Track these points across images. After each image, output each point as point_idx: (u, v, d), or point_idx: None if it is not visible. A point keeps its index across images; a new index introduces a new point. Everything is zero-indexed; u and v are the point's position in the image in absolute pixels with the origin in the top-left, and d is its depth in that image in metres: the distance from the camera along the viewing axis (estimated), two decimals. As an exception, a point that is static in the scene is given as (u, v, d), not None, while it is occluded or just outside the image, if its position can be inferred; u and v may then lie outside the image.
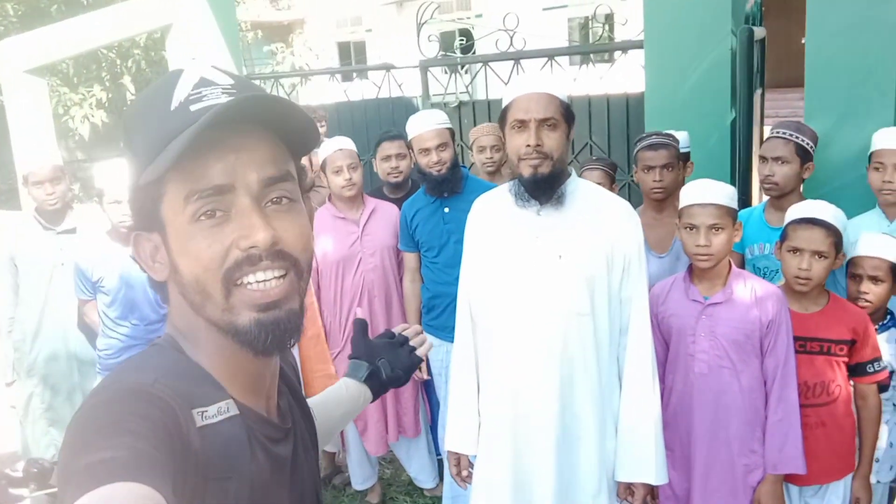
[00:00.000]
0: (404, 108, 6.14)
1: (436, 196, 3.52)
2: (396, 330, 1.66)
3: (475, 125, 5.13)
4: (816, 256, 2.57)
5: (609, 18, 5.63)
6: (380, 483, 4.16)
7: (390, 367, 1.55)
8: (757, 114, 4.17)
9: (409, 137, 3.58)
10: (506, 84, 4.97)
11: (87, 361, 4.06)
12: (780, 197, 3.12)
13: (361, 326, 1.59)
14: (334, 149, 3.63)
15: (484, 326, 2.48)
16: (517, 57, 4.97)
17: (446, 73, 5.83)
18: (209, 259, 0.92)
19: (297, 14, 21.27)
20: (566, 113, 2.30)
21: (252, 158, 0.93)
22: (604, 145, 4.79)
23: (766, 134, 3.27)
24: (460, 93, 5.70)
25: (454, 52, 5.79)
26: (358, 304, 3.68)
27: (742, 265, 3.19)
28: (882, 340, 2.71)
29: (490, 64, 5.25)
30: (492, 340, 2.45)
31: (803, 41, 3.44)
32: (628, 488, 2.41)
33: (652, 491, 2.44)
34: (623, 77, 4.72)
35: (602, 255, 2.32)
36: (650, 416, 2.37)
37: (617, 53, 4.94)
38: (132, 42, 10.69)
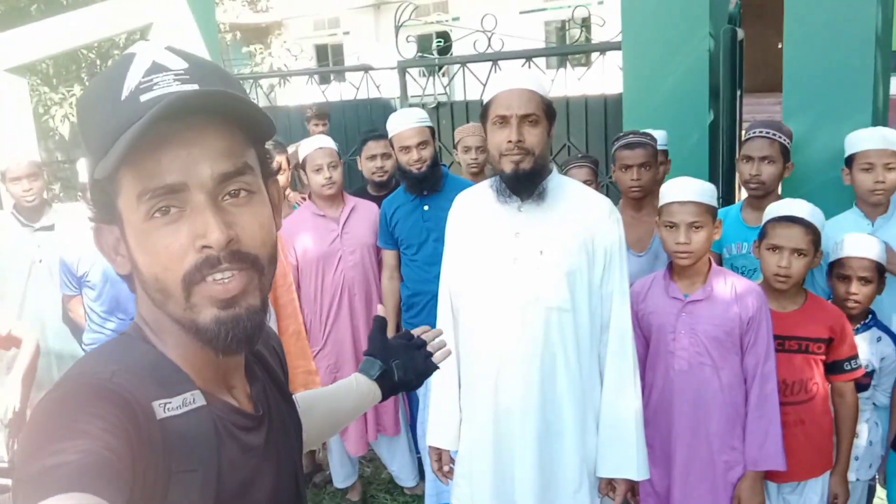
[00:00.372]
0: (382, 109, 6.10)
1: (416, 194, 3.49)
2: (416, 332, 1.60)
3: (453, 126, 5.10)
4: (796, 254, 2.55)
5: (586, 21, 5.60)
6: (360, 481, 4.12)
7: (403, 370, 1.50)
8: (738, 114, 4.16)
9: (390, 135, 3.53)
10: (484, 85, 4.97)
11: (67, 357, 4.00)
12: (762, 196, 3.10)
13: (381, 324, 1.54)
14: (314, 147, 3.59)
15: (465, 321, 2.45)
16: (495, 58, 4.94)
17: (424, 75, 5.79)
18: (168, 259, 0.88)
19: (276, 16, 21.17)
20: (547, 109, 2.27)
21: (205, 153, 0.88)
22: (581, 146, 4.77)
23: (744, 135, 3.24)
24: (438, 94, 5.67)
25: (432, 54, 5.75)
26: (338, 301, 3.63)
27: (720, 265, 3.16)
28: (863, 340, 2.70)
29: (468, 65, 5.21)
30: (473, 335, 2.42)
31: (780, 46, 3.43)
32: (609, 484, 2.39)
33: (633, 487, 2.42)
34: (601, 78, 4.70)
35: (583, 251, 2.29)
36: (631, 412, 2.35)
37: (594, 55, 4.92)
38: (112, 42, 10.55)
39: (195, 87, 0.88)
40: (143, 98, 0.86)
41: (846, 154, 3.01)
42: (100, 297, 3.51)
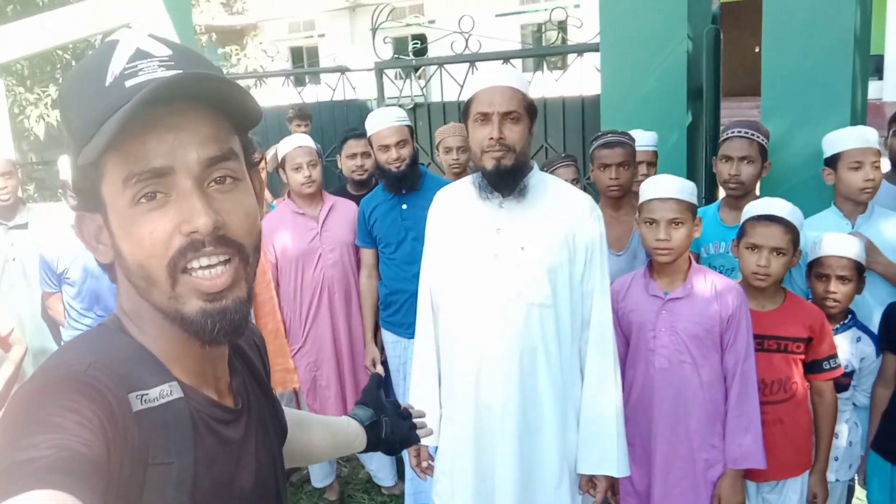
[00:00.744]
0: (359, 110, 6.06)
1: (394, 193, 3.46)
2: (404, 405, 1.62)
3: (430, 127, 5.06)
4: (775, 253, 2.53)
5: (562, 24, 5.59)
6: (338, 481, 4.07)
7: (391, 428, 1.52)
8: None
9: (369, 134, 3.50)
10: (461, 86, 4.93)
11: (45, 354, 3.94)
12: (741, 196, 3.08)
13: (377, 380, 1.59)
14: (294, 146, 3.56)
15: (446, 318, 2.43)
16: (472, 59, 4.91)
17: (401, 77, 5.74)
18: (152, 245, 0.87)
19: (251, 18, 21.05)
20: (528, 107, 2.27)
21: (191, 138, 0.87)
22: (559, 147, 4.74)
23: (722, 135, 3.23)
24: (415, 95, 5.63)
25: (408, 56, 5.71)
26: (318, 299, 3.59)
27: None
28: (843, 340, 2.69)
29: (445, 66, 5.18)
30: (454, 332, 2.40)
31: (757, 49, 3.42)
32: (590, 481, 2.38)
33: (613, 485, 2.40)
34: (578, 79, 4.67)
35: (564, 248, 2.28)
36: (612, 409, 2.34)
37: (570, 58, 4.90)
38: (87, 43, 10.41)
39: (180, 73, 0.86)
40: (129, 83, 0.85)
41: (828, 154, 2.99)
42: (79, 293, 3.51)
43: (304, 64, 18.76)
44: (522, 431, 2.31)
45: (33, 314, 4.01)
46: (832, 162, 2.97)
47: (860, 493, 3.06)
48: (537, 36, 16.14)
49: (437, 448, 2.50)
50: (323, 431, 1.43)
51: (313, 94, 6.82)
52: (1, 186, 3.84)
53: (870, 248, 2.80)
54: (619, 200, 3.15)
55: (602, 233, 2.33)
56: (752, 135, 3.05)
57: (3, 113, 6.16)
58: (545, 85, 4.73)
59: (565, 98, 4.73)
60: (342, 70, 6.51)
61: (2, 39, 5.88)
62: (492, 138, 2.19)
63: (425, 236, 2.51)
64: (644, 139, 3.44)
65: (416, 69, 5.69)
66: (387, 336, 3.61)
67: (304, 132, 5.34)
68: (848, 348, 2.71)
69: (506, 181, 2.24)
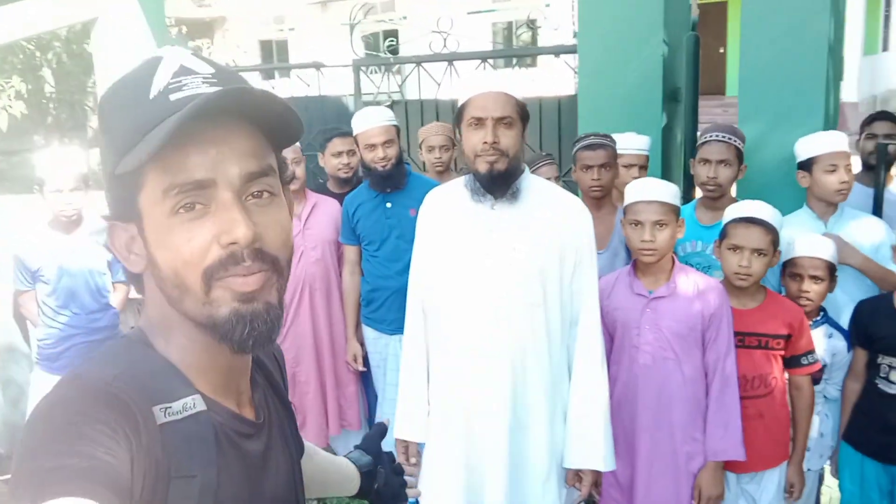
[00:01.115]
0: (334, 106, 6.02)
1: (379, 191, 3.47)
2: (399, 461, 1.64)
3: (407, 125, 5.06)
4: (756, 254, 2.60)
5: (533, 23, 5.64)
6: None
7: (385, 480, 1.51)
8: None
9: (355, 133, 3.51)
10: (438, 85, 4.94)
11: (10, 352, 3.94)
12: (717, 198, 3.15)
13: (381, 430, 1.59)
14: (277, 144, 3.52)
15: (437, 316, 2.45)
16: (451, 58, 4.92)
17: (375, 72, 5.73)
18: (189, 253, 0.87)
19: (219, 11, 20.77)
20: (521, 112, 2.30)
21: (233, 152, 0.88)
22: (536, 147, 4.77)
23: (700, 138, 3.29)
24: (392, 92, 5.62)
25: (382, 53, 5.70)
26: (299, 296, 3.59)
27: (675, 263, 3.21)
28: (815, 335, 2.76)
29: (423, 65, 5.18)
30: (445, 330, 2.42)
31: (722, 50, 3.49)
32: (577, 475, 2.42)
33: (596, 479, 2.43)
34: (552, 80, 4.71)
35: (555, 249, 2.32)
36: (599, 405, 2.39)
37: (542, 57, 4.93)
38: (53, 34, 10.22)
39: (229, 87, 0.88)
40: (173, 97, 0.86)
41: (802, 158, 3.07)
42: (54, 291, 3.49)
43: (273, 58, 18.60)
44: (513, 428, 2.34)
45: (4, 312, 3.95)
46: (807, 165, 3.05)
47: (830, 481, 3.17)
48: (507, 34, 16.19)
49: (423, 445, 2.52)
50: (322, 465, 1.42)
51: (285, 89, 6.76)
52: None
53: (843, 245, 2.88)
54: (600, 200, 3.20)
55: (591, 234, 2.38)
56: (730, 139, 3.12)
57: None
58: (523, 85, 4.75)
59: (542, 98, 4.76)
60: (317, 66, 6.47)
61: (-33, 31, 5.77)
62: (486, 142, 2.22)
63: (416, 236, 2.53)
64: (637, 143, 3.48)
65: (393, 66, 5.68)
66: (368, 332, 3.62)
67: None
68: (820, 344, 2.79)
69: (499, 184, 2.28)
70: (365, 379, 3.86)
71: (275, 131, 0.94)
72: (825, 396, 2.90)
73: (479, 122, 2.24)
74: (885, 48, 17.05)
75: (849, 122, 13.05)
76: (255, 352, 0.96)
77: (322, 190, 4.02)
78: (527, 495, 2.39)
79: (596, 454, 2.37)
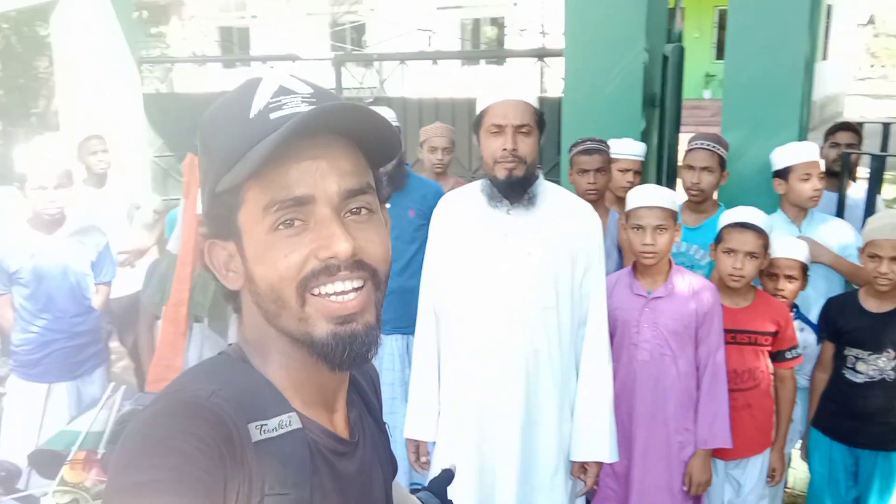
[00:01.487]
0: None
1: (378, 191, 3.48)
2: None
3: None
4: (749, 257, 2.74)
5: (496, 21, 5.72)
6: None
7: None
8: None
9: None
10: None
11: None
12: (700, 202, 3.32)
13: (448, 476, 1.53)
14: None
15: (450, 319, 2.47)
16: (435, 57, 4.98)
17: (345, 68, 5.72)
18: (285, 268, 0.86)
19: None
20: (539, 120, 2.35)
21: (332, 169, 0.88)
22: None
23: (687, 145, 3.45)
24: (371, 88, 5.64)
25: (355, 47, 5.72)
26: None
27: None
28: None
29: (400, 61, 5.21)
30: (458, 333, 2.45)
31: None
32: (582, 467, 2.48)
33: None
34: (522, 80, 4.80)
35: (567, 253, 2.38)
36: (605, 400, 2.46)
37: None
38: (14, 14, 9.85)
39: (328, 104, 0.88)
40: (273, 116, 0.86)
41: (779, 167, 3.25)
42: (33, 294, 3.29)
43: (234, 46, 18.23)
44: (525, 425, 2.39)
45: None
46: (783, 173, 3.24)
47: (796, 463, 3.41)
48: (474, 31, 16.13)
49: (434, 444, 2.55)
50: (399, 497, 1.35)
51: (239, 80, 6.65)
52: None
53: (815, 245, 3.08)
54: (594, 203, 3.31)
55: (600, 238, 2.46)
56: (713, 147, 3.28)
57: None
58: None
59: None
60: (293, 58, 6.44)
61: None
62: (505, 149, 2.27)
63: (429, 240, 2.55)
64: (633, 149, 3.61)
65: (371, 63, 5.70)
66: None
67: None
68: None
69: (516, 190, 2.33)
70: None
71: (373, 148, 0.93)
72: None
73: (499, 129, 2.28)
74: (824, 57, 17.65)
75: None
76: (351, 370, 0.95)
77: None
78: (536, 489, 2.44)
79: (602, 447, 2.44)
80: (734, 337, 2.76)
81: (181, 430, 0.78)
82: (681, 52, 3.67)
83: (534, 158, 2.34)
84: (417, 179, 3.57)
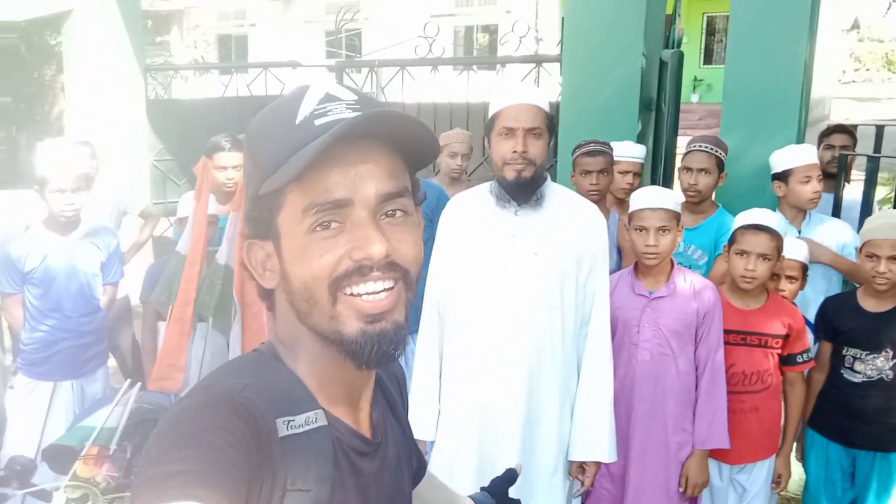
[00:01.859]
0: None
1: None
2: None
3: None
4: (762, 259, 2.68)
5: (488, 28, 5.73)
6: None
7: None
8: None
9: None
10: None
11: None
12: (698, 203, 3.30)
13: (510, 477, 1.51)
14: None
15: (456, 319, 2.45)
16: (435, 63, 4.97)
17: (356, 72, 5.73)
18: (319, 268, 0.88)
19: (177, 5, 20.15)
20: (549, 123, 2.34)
21: (371, 173, 0.89)
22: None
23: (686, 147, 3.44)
24: (370, 93, 5.63)
25: (353, 54, 5.72)
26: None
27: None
28: None
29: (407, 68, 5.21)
30: (464, 333, 2.42)
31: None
32: (580, 467, 2.45)
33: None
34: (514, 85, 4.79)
35: (573, 253, 2.36)
36: (605, 400, 2.44)
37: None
38: (8, 25, 9.81)
39: (372, 111, 0.88)
40: (318, 122, 0.88)
41: (779, 169, 3.23)
42: (44, 294, 3.28)
43: (231, 53, 18.19)
44: (526, 424, 2.36)
45: None
46: (782, 176, 3.22)
47: (792, 464, 3.33)
48: (468, 39, 16.12)
49: (433, 443, 2.52)
50: (444, 500, 1.38)
51: (235, 88, 6.49)
52: None
53: (815, 245, 3.06)
54: (597, 203, 3.30)
55: (605, 238, 2.44)
56: (712, 149, 3.26)
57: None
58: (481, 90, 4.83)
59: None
60: (293, 65, 6.43)
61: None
62: (515, 151, 2.27)
63: (436, 240, 2.52)
64: (634, 152, 3.59)
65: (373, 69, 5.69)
66: None
67: None
68: None
69: (524, 191, 2.32)
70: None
71: (412, 152, 0.94)
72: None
73: (510, 131, 2.28)
74: (811, 60, 17.77)
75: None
76: (377, 368, 0.95)
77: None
78: (535, 489, 2.40)
79: (601, 447, 2.41)
80: (744, 339, 2.72)
81: (213, 423, 0.80)
82: (680, 58, 3.67)
83: (543, 160, 2.34)
84: (423, 182, 3.55)
